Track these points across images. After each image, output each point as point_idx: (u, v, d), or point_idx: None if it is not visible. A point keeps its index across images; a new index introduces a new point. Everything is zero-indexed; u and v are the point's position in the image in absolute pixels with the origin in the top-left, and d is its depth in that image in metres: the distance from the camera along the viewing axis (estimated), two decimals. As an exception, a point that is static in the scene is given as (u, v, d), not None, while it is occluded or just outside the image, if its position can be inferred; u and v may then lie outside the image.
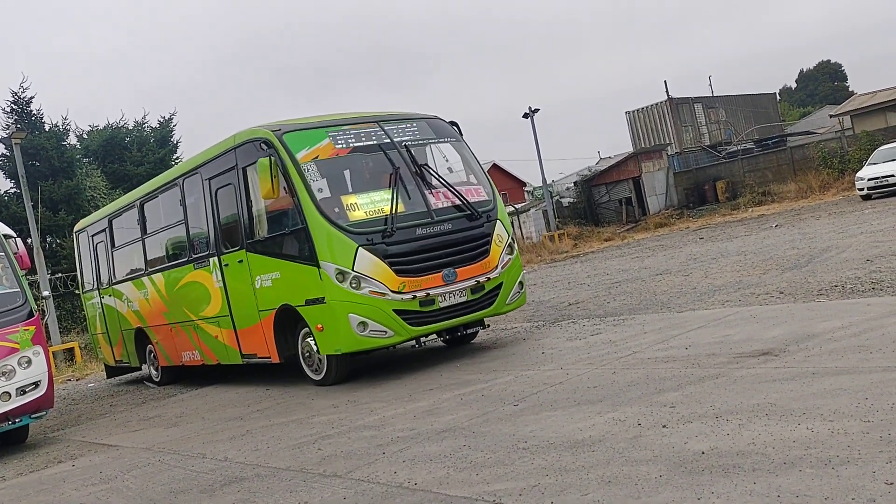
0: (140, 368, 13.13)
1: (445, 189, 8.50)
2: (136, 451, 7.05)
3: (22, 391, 8.03)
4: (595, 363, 6.75)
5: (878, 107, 34.31)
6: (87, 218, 14.85)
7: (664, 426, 4.49)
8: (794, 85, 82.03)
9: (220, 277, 9.48)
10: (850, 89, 68.43)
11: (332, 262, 7.71)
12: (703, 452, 3.91)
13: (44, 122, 26.84)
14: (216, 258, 9.53)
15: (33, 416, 8.27)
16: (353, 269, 7.67)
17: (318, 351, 8.25)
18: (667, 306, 9.54)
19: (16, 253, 8.92)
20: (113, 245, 12.80)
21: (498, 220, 8.67)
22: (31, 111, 26.71)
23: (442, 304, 8.01)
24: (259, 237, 8.65)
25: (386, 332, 7.76)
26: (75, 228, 14.79)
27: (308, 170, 8.02)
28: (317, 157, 8.15)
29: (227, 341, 9.72)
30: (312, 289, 7.89)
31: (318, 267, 7.76)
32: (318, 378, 8.47)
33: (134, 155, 28.78)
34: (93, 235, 13.66)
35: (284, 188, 8.02)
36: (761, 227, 20.21)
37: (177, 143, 31.20)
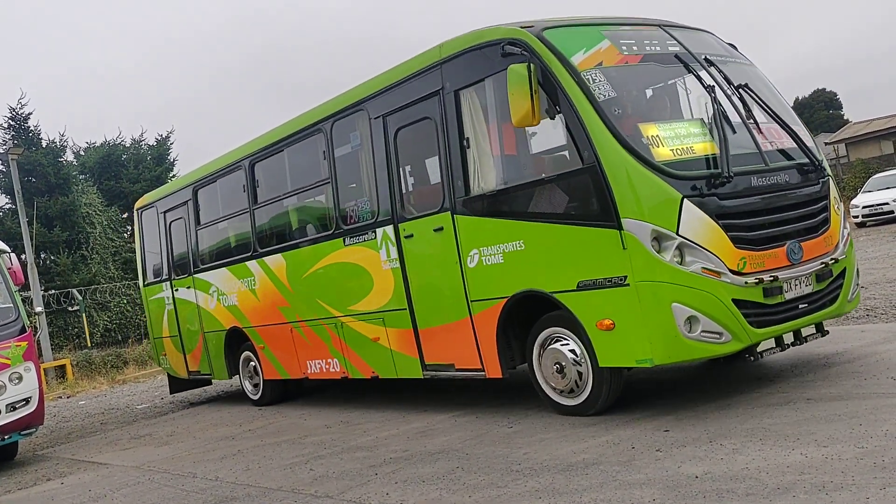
0: (210, 382, 11.21)
1: (775, 125, 5.83)
2: (126, 469, 6.99)
3: (12, 407, 7.97)
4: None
5: (872, 135, 34.63)
6: (155, 191, 11.87)
7: (658, 450, 4.48)
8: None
9: (393, 255, 6.79)
10: (845, 117, 69.04)
11: (645, 219, 5.00)
12: (696, 476, 3.90)
13: (41, 139, 26.91)
14: (390, 227, 6.80)
15: (23, 432, 8.20)
16: (677, 233, 5.01)
17: (577, 362, 5.54)
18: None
19: (9, 268, 8.89)
20: (198, 222, 9.88)
21: (829, 178, 5.99)
22: (29, 127, 26.79)
23: (787, 295, 5.35)
24: (483, 191, 5.95)
25: (721, 334, 5.06)
26: (137, 205, 11.64)
27: (593, 81, 5.35)
28: (600, 65, 5.50)
29: (397, 346, 7.00)
30: (599, 263, 5.23)
31: (620, 228, 5.06)
32: (572, 403, 5.69)
33: (130, 172, 28.84)
34: (165, 212, 10.65)
35: (550, 109, 5.43)
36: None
37: (174, 160, 31.31)
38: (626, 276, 5.10)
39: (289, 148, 8.27)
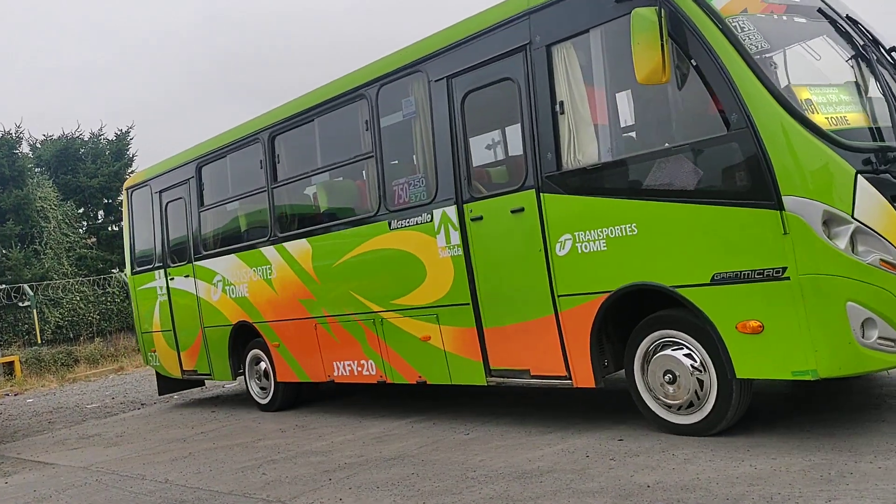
0: (203, 383, 10.26)
1: None
2: (74, 469, 6.82)
3: (-45, 404, 7.72)
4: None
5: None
6: (148, 168, 10.14)
7: (612, 459, 4.52)
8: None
9: (455, 240, 5.85)
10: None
11: (815, 197, 4.13)
12: (648, 486, 3.94)
13: (-5, 130, 26.26)
14: (452, 208, 5.85)
15: (-34, 431, 7.96)
16: (852, 216, 4.15)
17: (696, 369, 4.64)
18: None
19: None
20: (202, 203, 8.76)
21: None
22: (-17, 118, 26.15)
23: None
24: (581, 164, 5.02)
25: None
26: (127, 184, 10.35)
27: (741, 29, 4.47)
28: (745, 11, 4.61)
29: (454, 347, 6.01)
30: (746, 252, 4.30)
31: (780, 208, 4.15)
32: (687, 421, 4.77)
33: (88, 167, 28.27)
34: (160, 192, 9.46)
35: (683, 63, 4.51)
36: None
37: (132, 156, 30.80)
38: (785, 268, 4.17)
39: (320, 118, 7.16)
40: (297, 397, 8.23)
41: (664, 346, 4.81)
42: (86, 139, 30.16)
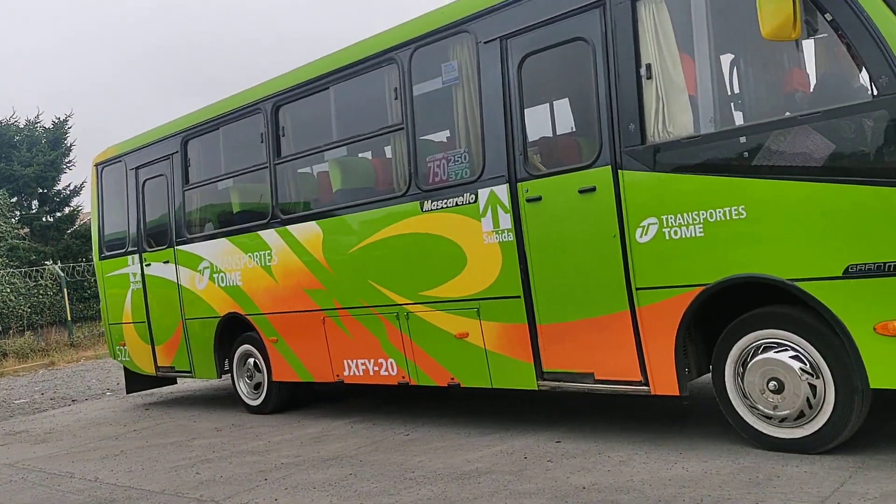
0: (175, 381, 9.43)
1: None
2: (-2, 467, 6.59)
3: None
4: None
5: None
6: (122, 142, 9.14)
7: (549, 460, 4.57)
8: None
9: (505, 224, 5.16)
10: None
11: None
12: (584, 487, 3.99)
13: (-76, 114, 25.22)
14: (503, 188, 5.16)
15: None
16: None
17: (804, 373, 4.05)
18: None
19: None
20: (186, 181, 7.94)
21: None
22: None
23: None
24: (672, 137, 4.37)
25: None
26: (97, 159, 9.37)
27: None
28: None
29: (497, 345, 5.32)
30: (893, 241, 3.76)
31: None
32: (794, 435, 4.15)
33: (23, 155, 27.34)
34: (137, 168, 8.60)
35: (813, 19, 3.93)
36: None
37: (70, 145, 29.90)
38: None
39: (336, 86, 6.39)
40: (292, 398, 7.48)
41: (765, 348, 4.19)
42: (21, 126, 29.18)
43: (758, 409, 4.23)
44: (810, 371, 4.04)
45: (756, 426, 4.26)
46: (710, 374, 4.50)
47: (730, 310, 4.32)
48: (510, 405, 6.31)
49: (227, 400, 8.62)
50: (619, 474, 4.14)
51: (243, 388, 7.70)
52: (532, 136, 5.21)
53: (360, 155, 6.84)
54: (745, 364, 4.26)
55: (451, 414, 6.28)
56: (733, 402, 4.34)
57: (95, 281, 11.00)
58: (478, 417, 6.01)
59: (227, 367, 7.89)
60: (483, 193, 5.26)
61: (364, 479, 4.70)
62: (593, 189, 4.68)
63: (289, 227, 6.76)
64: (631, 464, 4.30)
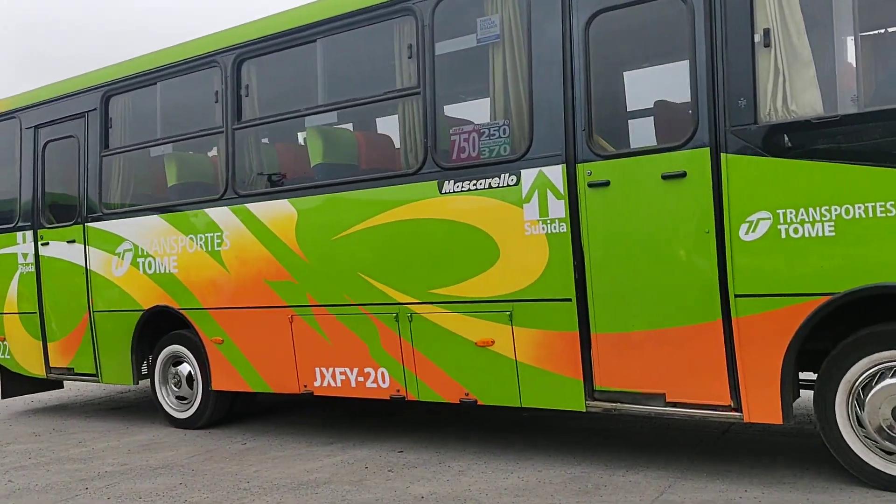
0: (62, 385, 8.00)
1: None
2: None
3: None
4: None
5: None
6: (19, 94, 7.58)
7: (390, 470, 4.57)
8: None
9: (556, 213, 4.31)
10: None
11: None
12: (422, 497, 4.02)
13: None
14: (556, 169, 4.30)
15: None
16: None
17: None
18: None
19: None
20: (105, 145, 6.58)
21: None
22: None
23: None
24: (795, 117, 3.69)
25: None
26: None
27: None
28: None
29: (532, 357, 4.46)
30: None
31: None
32: None
33: None
34: (37, 127, 7.13)
35: None
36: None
37: None
38: None
39: (325, 39, 5.37)
40: (230, 410, 6.31)
41: (883, 374, 3.59)
42: None
43: (875, 443, 3.60)
44: None
45: (870, 462, 3.62)
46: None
47: (837, 324, 3.72)
48: (354, 415, 6.26)
49: (42, 406, 7.99)
50: (458, 484, 4.20)
51: (168, 398, 6.48)
52: (599, 109, 4.37)
53: (358, 119, 5.99)
54: (860, 392, 3.63)
55: (293, 423, 6.15)
56: (843, 435, 3.67)
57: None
58: (321, 427, 5.92)
59: (146, 372, 6.65)
60: (528, 175, 4.39)
61: (195, 489, 4.49)
62: (683, 174, 3.94)
63: (249, 206, 5.65)
64: (470, 473, 4.38)
